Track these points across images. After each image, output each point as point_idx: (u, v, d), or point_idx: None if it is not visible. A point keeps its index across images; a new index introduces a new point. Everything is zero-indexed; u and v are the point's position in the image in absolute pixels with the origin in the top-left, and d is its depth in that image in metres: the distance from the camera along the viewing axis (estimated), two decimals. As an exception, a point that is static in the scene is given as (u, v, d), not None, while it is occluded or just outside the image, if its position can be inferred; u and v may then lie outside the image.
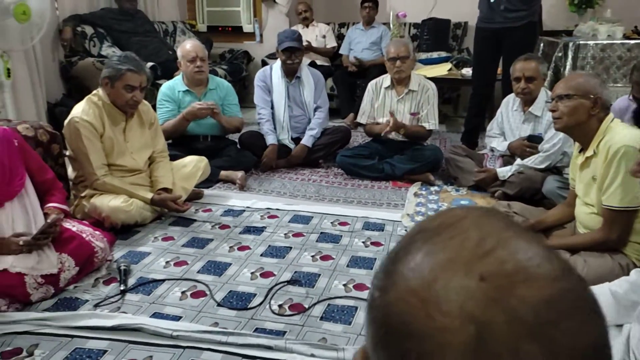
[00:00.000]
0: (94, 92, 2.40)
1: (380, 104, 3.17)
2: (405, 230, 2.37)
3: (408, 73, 3.09)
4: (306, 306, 1.73)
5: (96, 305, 1.72)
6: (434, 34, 4.81)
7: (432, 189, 2.95)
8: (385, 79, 3.18)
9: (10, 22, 2.59)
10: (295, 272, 1.97)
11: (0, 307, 1.62)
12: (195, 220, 2.47)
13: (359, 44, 4.74)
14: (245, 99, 4.57)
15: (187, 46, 3.02)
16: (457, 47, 4.91)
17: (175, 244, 2.22)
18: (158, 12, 4.78)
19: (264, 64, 4.80)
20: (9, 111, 2.89)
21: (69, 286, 1.82)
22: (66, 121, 2.34)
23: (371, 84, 3.24)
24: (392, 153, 3.14)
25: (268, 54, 5.08)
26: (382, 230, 2.37)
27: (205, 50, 3.06)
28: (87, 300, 1.75)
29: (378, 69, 4.34)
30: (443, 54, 4.58)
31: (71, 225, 1.95)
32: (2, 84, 2.81)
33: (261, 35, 5.39)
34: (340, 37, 5.08)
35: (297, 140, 3.40)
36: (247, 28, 5.46)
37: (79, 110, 2.31)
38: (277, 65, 3.39)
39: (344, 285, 1.88)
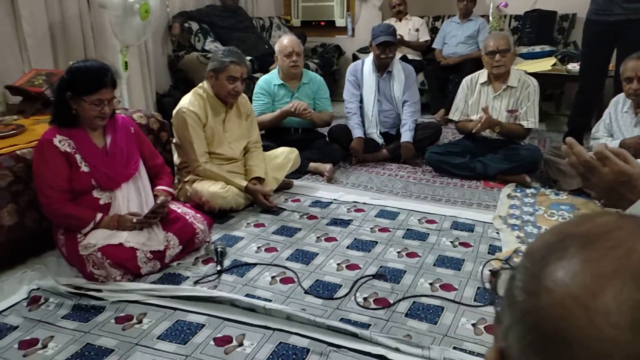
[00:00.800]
0: (200, 85, 2.58)
1: (475, 100, 3.05)
2: (497, 232, 2.27)
3: (507, 68, 2.94)
4: (391, 301, 1.74)
5: (196, 282, 1.86)
6: (537, 27, 4.51)
7: (528, 191, 2.79)
8: (482, 75, 3.06)
9: (135, 20, 2.86)
10: (381, 266, 1.98)
11: (116, 277, 1.82)
12: (284, 210, 2.57)
13: (454, 38, 4.59)
14: (335, 92, 4.63)
15: (284, 41, 3.12)
16: (562, 40, 4.58)
17: (265, 231, 2.33)
18: (256, 8, 4.98)
19: (355, 58, 4.83)
20: (124, 101, 3.20)
21: (173, 263, 1.99)
22: (174, 111, 2.53)
23: (466, 80, 3.13)
24: (485, 151, 3.02)
25: (359, 48, 5.09)
26: (472, 231, 2.30)
27: (301, 45, 3.15)
28: (187, 277, 1.90)
29: (472, 63, 4.18)
30: (547, 47, 4.28)
31: (176, 207, 2.12)
32: (121, 76, 3.11)
33: (353, 30, 5.41)
34: (434, 31, 4.95)
35: (385, 135, 3.39)
36: (340, 22, 5.51)
37: (186, 101, 2.50)
38: (368, 59, 3.39)
39: (430, 284, 1.86)
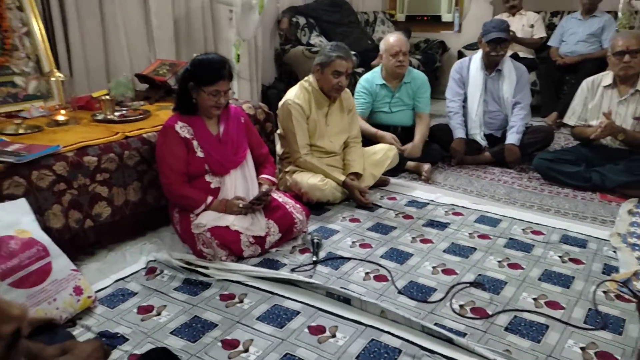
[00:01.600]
0: (306, 78, 2.65)
1: (596, 104, 2.80)
2: (614, 251, 2.07)
3: (637, 70, 2.66)
4: (490, 312, 1.66)
5: (293, 270, 1.93)
6: (676, 24, 4.00)
7: (653, 208, 2.51)
8: (606, 77, 2.79)
9: (253, 15, 3.02)
10: (479, 275, 1.91)
11: (221, 257, 1.95)
12: (380, 207, 2.57)
13: (574, 36, 4.23)
14: (436, 90, 4.49)
15: (390, 39, 3.07)
16: None
17: (360, 227, 2.34)
18: (362, 2, 4.99)
19: (460, 55, 4.65)
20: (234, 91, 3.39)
21: (272, 249, 2.08)
22: (280, 103, 2.63)
23: (587, 82, 2.87)
24: (604, 161, 2.76)
25: (465, 44, 4.90)
26: (584, 247, 2.12)
27: (407, 44, 3.07)
28: (285, 264, 1.98)
29: (592, 64, 3.83)
30: (686, 48, 3.78)
31: (278, 196, 2.21)
32: (236, 69, 3.29)
33: (460, 25, 5.21)
34: (550, 27, 4.60)
35: (489, 137, 3.23)
36: (446, 17, 5.33)
37: (292, 94, 2.58)
38: (477, 56, 3.25)
39: (534, 299, 1.75)
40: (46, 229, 1.74)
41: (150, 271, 1.91)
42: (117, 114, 2.37)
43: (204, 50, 3.50)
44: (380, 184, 2.84)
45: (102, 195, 1.99)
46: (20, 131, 2.05)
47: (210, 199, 2.05)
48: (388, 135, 3.04)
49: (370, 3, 5.13)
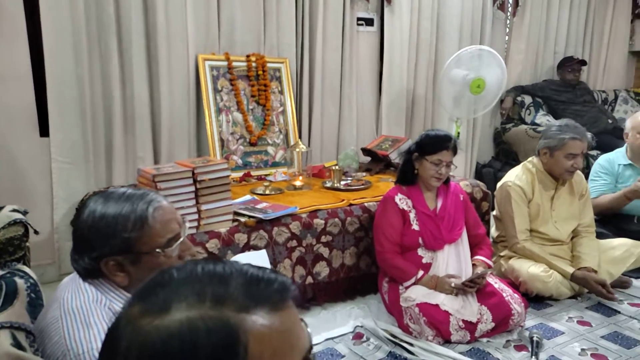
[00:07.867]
0: (529, 159, 2.49)
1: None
2: None
3: None
4: None
5: (506, 368, 1.73)
6: None
7: None
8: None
9: (466, 94, 3.06)
10: None
11: (428, 336, 1.88)
12: (618, 312, 2.15)
13: None
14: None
15: (639, 117, 2.71)
16: None
17: (592, 332, 1.99)
18: (601, 81, 4.56)
19: None
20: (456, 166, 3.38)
21: (482, 339, 1.92)
22: (499, 184, 2.50)
23: None
24: None
25: None
26: None
27: (659, 122, 2.65)
28: (497, 359, 1.79)
29: None
30: None
31: (493, 282, 2.06)
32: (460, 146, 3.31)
33: None
34: None
35: None
36: None
37: (513, 175, 2.44)
38: None
39: None
40: (276, 279, 1.96)
41: (358, 336, 1.96)
42: (342, 182, 2.61)
43: (424, 127, 3.63)
44: (619, 285, 2.39)
45: (324, 256, 2.17)
46: (267, 192, 2.42)
47: (421, 273, 2.03)
48: (634, 185, 2.53)
49: (612, 81, 4.63)
